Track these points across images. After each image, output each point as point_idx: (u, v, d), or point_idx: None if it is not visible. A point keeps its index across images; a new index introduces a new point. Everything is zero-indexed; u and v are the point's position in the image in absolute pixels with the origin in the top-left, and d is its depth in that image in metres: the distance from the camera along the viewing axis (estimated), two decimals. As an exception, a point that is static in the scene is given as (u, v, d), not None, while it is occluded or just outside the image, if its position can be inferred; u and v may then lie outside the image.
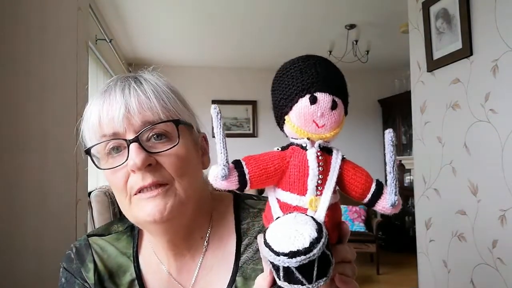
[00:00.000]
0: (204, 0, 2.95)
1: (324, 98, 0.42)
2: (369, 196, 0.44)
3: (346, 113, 0.45)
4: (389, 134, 0.41)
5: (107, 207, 2.39)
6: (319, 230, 0.38)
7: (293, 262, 0.37)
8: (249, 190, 0.46)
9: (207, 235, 0.66)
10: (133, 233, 0.69)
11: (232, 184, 0.43)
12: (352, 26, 3.50)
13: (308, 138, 0.43)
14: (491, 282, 1.47)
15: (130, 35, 3.74)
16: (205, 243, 0.66)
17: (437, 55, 1.75)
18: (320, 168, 0.42)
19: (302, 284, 0.38)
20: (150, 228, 0.61)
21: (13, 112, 0.85)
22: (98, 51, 2.95)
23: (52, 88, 1.07)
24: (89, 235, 0.70)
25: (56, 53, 1.10)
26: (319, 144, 0.43)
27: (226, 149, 0.42)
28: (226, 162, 0.42)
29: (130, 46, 4.08)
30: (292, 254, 0.37)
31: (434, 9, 1.76)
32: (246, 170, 0.43)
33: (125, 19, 3.33)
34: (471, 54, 1.56)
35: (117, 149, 0.58)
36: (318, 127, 0.43)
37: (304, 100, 0.43)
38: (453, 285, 1.68)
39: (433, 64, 1.78)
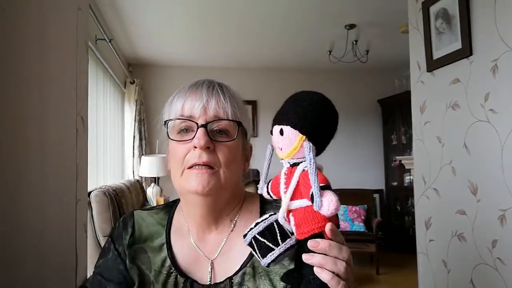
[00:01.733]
0: (204, 0, 2.96)
1: (274, 130, 0.58)
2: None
3: (304, 133, 0.55)
4: (306, 143, 0.53)
5: (107, 207, 2.39)
6: (256, 224, 0.58)
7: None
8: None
9: (235, 219, 0.79)
10: (171, 209, 0.85)
11: (266, 194, 0.64)
12: (352, 26, 3.50)
13: (282, 159, 0.59)
14: (491, 282, 1.47)
15: (130, 35, 3.74)
16: (232, 225, 0.79)
17: (437, 55, 1.75)
18: (284, 180, 0.58)
19: (259, 257, 0.58)
20: (191, 198, 0.74)
21: (12, 112, 0.85)
22: (98, 51, 2.95)
23: (52, 88, 1.07)
24: (135, 210, 0.86)
25: (56, 53, 1.10)
26: (288, 162, 0.58)
27: (267, 175, 0.63)
28: (263, 182, 0.64)
29: (130, 46, 4.08)
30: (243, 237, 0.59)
31: (434, 9, 1.76)
32: (269, 185, 0.64)
33: (125, 19, 3.33)
34: (471, 54, 1.56)
35: (186, 130, 0.73)
36: (281, 150, 0.58)
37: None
38: (453, 285, 1.68)
39: (433, 64, 1.78)
